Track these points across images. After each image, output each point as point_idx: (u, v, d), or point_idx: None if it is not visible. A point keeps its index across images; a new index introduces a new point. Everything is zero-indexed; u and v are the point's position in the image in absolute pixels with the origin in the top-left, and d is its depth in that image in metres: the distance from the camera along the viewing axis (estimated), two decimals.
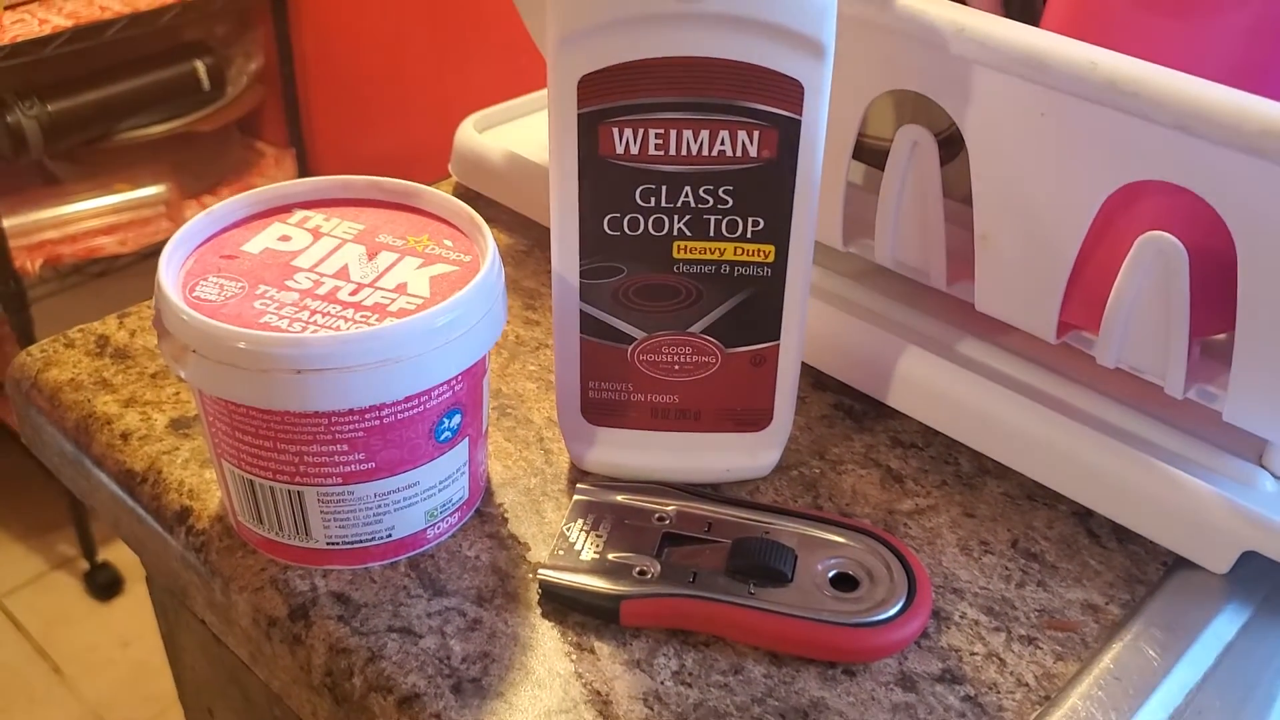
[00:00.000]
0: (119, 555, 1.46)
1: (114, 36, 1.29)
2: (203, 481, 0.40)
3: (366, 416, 0.33)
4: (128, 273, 1.47)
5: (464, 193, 0.56)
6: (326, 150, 1.56)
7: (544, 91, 0.58)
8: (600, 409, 0.39)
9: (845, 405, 0.44)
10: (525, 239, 0.53)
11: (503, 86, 0.58)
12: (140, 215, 1.42)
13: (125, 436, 0.41)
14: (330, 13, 1.45)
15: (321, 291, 0.35)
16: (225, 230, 0.37)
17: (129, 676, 1.34)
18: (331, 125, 1.53)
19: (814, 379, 0.45)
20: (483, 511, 0.39)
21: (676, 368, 0.38)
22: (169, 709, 1.30)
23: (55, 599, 1.43)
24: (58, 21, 1.25)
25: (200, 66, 1.42)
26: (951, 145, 0.41)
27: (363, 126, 1.48)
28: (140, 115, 1.40)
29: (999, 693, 0.33)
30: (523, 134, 0.54)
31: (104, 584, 1.43)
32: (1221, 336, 0.40)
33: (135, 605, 1.42)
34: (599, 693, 0.33)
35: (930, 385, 0.42)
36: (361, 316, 0.34)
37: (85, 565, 1.44)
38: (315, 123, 1.54)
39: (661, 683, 0.33)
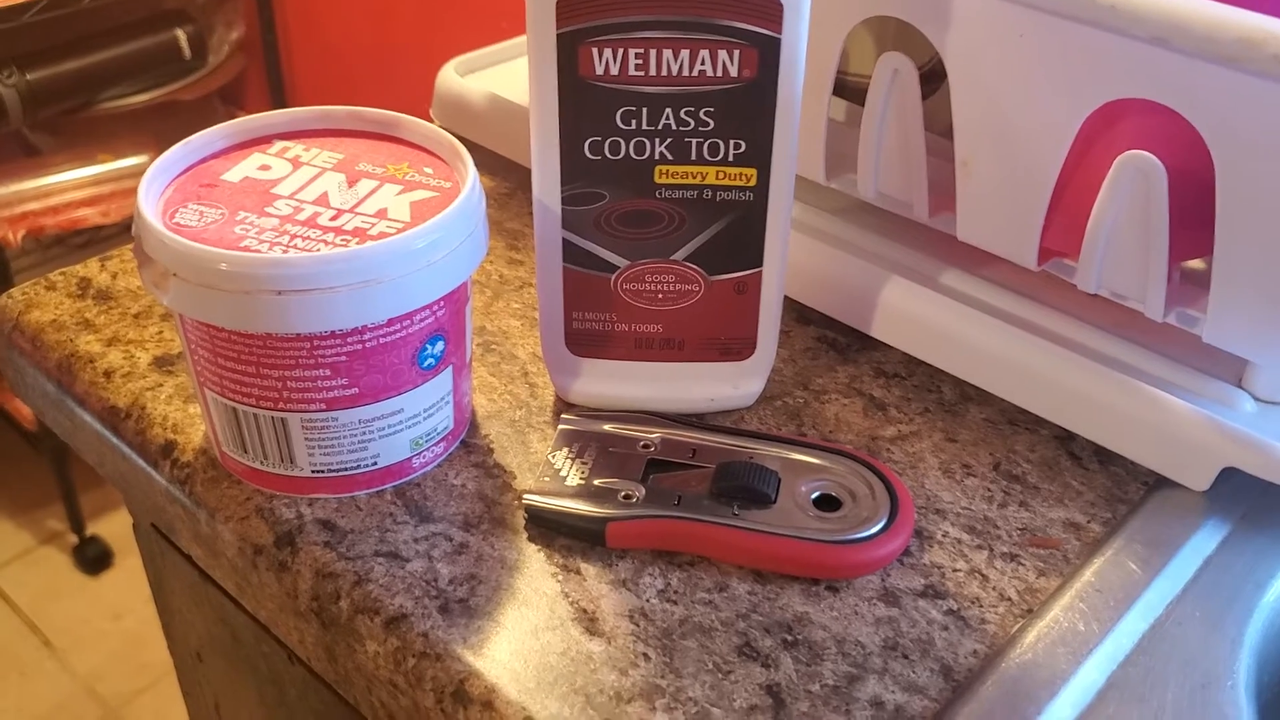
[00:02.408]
0: (108, 529, 1.46)
1: (92, 4, 1.28)
2: (186, 416, 0.39)
3: (349, 340, 0.33)
4: (111, 244, 1.46)
5: None
6: None
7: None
8: (584, 340, 0.39)
9: (829, 338, 0.44)
10: (508, 181, 0.53)
11: None
12: (122, 186, 1.41)
13: (108, 374, 0.41)
14: None
15: (301, 217, 0.35)
16: (204, 160, 0.37)
17: (120, 648, 1.34)
18: (314, 94, 1.52)
19: (798, 313, 0.45)
20: (468, 443, 0.39)
21: (660, 296, 0.38)
22: (161, 679, 1.30)
23: (45, 573, 1.43)
24: None
25: (181, 35, 1.41)
26: (931, 80, 0.41)
27: (346, 95, 1.47)
28: (121, 85, 1.39)
29: (981, 606, 0.34)
30: (505, 77, 0.54)
31: (93, 558, 1.43)
32: (1200, 263, 0.40)
33: (125, 578, 1.42)
34: (585, 611, 0.33)
35: (913, 315, 0.42)
36: (342, 240, 0.34)
37: (74, 539, 1.44)
38: (298, 91, 1.53)
39: (647, 600, 0.33)
